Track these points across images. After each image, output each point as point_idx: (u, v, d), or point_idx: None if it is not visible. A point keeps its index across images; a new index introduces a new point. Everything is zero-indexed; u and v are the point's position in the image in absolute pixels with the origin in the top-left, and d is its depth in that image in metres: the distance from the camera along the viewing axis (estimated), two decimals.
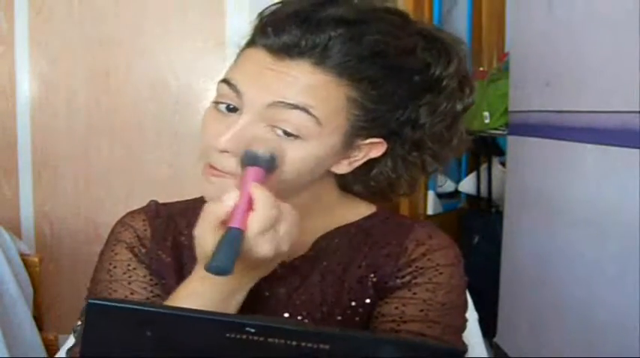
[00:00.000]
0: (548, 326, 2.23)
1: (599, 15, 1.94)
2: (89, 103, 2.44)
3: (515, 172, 2.64)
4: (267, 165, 0.71)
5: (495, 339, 2.58)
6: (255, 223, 0.67)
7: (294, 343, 0.55)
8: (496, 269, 2.64)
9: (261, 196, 0.67)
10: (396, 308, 0.80)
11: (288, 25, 0.73)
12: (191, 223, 0.86)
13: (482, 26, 3.74)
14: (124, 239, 0.86)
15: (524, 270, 2.46)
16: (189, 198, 0.91)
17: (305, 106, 0.72)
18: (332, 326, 0.81)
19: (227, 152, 0.74)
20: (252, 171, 0.70)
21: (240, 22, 2.29)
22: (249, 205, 0.67)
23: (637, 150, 1.71)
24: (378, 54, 0.74)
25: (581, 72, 2.04)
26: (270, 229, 0.68)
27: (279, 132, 0.73)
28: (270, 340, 0.55)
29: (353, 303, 0.83)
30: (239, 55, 0.79)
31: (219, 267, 0.63)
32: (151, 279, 0.84)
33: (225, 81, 0.76)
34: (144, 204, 0.91)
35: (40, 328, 1.74)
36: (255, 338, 0.55)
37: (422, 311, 0.80)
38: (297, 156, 0.74)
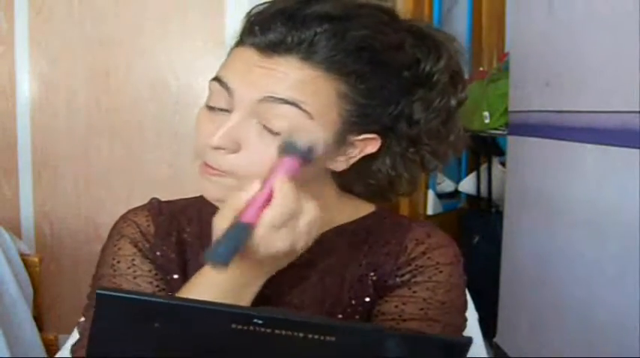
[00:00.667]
0: (548, 326, 2.23)
1: (599, 15, 1.94)
2: (89, 103, 2.44)
3: (515, 172, 2.64)
4: (304, 156, 0.70)
5: (495, 339, 2.58)
6: (269, 218, 0.66)
7: (300, 335, 0.56)
8: (496, 269, 2.64)
9: (281, 190, 0.66)
10: (396, 306, 0.81)
11: (274, 23, 0.74)
12: (192, 221, 0.87)
13: (482, 26, 3.75)
14: (128, 234, 0.85)
15: (524, 270, 2.46)
16: (190, 197, 0.91)
17: (295, 101, 0.73)
18: None
19: (222, 149, 0.74)
20: (287, 162, 0.69)
21: (240, 22, 2.29)
22: (269, 198, 0.66)
23: (637, 150, 1.71)
24: (364, 48, 0.75)
25: (581, 72, 2.04)
26: (287, 225, 0.67)
27: (272, 128, 0.74)
28: (277, 331, 0.55)
29: (353, 302, 0.83)
30: (229, 55, 0.80)
31: (214, 260, 0.62)
32: (156, 274, 0.83)
33: (216, 79, 0.78)
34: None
35: (40, 328, 1.73)
36: (263, 329, 0.55)
37: (422, 309, 0.80)
38: None
